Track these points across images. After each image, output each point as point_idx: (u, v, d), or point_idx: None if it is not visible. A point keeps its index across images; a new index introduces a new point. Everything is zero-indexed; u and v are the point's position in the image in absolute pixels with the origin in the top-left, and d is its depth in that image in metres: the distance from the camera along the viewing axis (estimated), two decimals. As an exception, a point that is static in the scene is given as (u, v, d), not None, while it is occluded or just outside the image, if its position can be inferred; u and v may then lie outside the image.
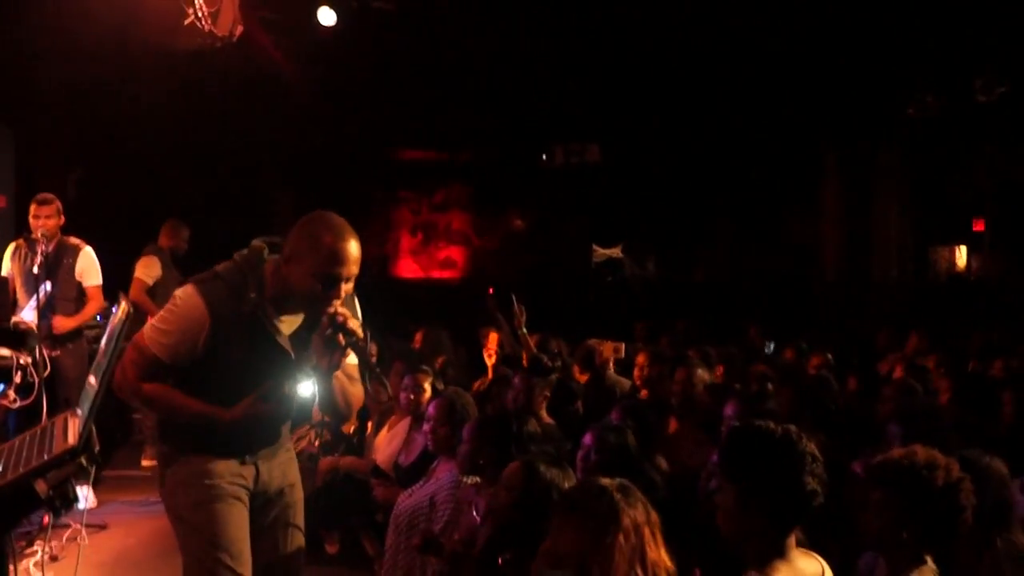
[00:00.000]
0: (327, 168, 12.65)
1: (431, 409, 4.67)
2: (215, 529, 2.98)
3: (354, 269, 2.88)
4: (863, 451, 4.15)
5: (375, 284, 14.20)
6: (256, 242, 3.06)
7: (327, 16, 7.94)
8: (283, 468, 3.25)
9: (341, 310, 2.86)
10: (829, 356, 7.14)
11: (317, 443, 6.50)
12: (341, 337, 2.84)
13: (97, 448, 2.11)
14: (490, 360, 7.24)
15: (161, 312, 2.97)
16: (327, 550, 5.70)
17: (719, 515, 2.50)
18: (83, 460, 2.03)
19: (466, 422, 4.30)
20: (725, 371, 6.55)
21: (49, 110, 9.16)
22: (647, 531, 2.58)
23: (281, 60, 8.83)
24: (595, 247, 14.81)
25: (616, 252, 14.91)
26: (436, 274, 15.05)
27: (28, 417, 5.61)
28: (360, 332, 2.87)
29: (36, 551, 5.29)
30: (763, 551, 2.40)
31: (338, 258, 2.82)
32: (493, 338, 7.32)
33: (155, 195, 9.83)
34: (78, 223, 6.73)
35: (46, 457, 1.99)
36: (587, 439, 4.01)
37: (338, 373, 2.97)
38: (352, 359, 2.99)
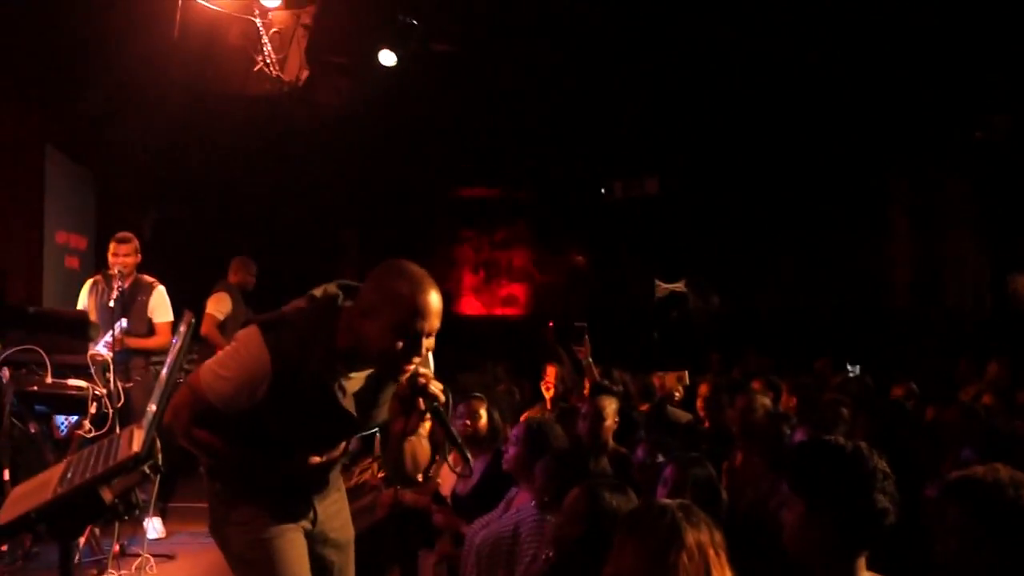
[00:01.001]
0: (390, 207, 12.88)
1: (513, 433, 4.68)
2: (275, 567, 2.83)
3: (436, 323, 2.63)
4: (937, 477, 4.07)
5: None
6: (331, 287, 2.79)
7: (388, 57, 8.16)
8: (337, 508, 3.14)
9: (423, 371, 2.64)
10: (913, 385, 7.01)
11: (380, 475, 6.59)
12: (421, 401, 2.61)
13: (160, 460, 2.18)
14: (548, 393, 7.28)
15: (222, 355, 2.77)
16: (389, 583, 5.76)
17: (785, 533, 2.45)
18: (147, 468, 2.13)
19: (546, 451, 4.27)
20: (799, 402, 6.42)
21: (128, 155, 9.52)
22: (711, 551, 2.46)
23: (345, 102, 9.07)
24: (658, 282, 14.75)
25: (679, 286, 14.83)
26: (499, 311, 15.14)
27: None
28: (442, 396, 2.62)
29: (108, 577, 5.50)
30: (831, 572, 2.35)
31: (420, 311, 2.57)
32: (551, 371, 7.37)
33: (226, 235, 10.11)
34: (153, 263, 6.98)
35: (111, 463, 2.10)
36: (668, 472, 3.87)
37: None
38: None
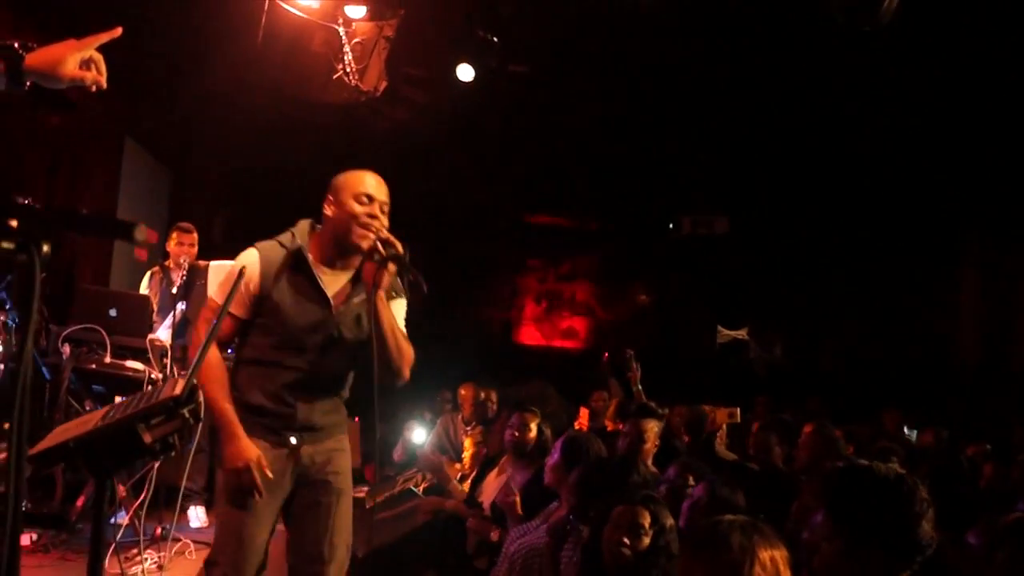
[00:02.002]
0: (458, 227, 12.92)
1: (556, 446, 4.71)
2: (242, 514, 3.16)
3: (383, 194, 3.26)
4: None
5: (498, 348, 14.34)
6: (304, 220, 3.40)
7: (466, 73, 8.21)
8: (329, 455, 3.34)
9: (377, 224, 3.17)
10: (988, 447, 6.85)
11: (423, 486, 6.57)
12: (381, 247, 3.10)
13: (203, 410, 2.18)
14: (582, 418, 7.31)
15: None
16: (422, 588, 5.74)
17: (819, 562, 2.37)
18: (187, 413, 2.11)
19: (583, 461, 4.30)
20: (854, 450, 6.27)
21: (205, 155, 9.69)
22: (782, 566, 2.47)
23: (419, 115, 9.14)
24: (720, 328, 14.53)
25: (742, 334, 14.59)
26: (558, 343, 15.05)
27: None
28: (399, 245, 3.12)
29: (146, 559, 5.51)
30: None
31: (362, 180, 3.25)
32: (598, 396, 7.37)
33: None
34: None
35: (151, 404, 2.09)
36: (698, 491, 3.92)
37: (396, 328, 3.20)
38: (401, 311, 3.32)
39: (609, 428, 6.89)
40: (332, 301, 3.24)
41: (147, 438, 2.06)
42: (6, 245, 1.46)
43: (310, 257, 3.25)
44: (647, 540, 3.28)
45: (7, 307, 5.95)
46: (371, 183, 3.26)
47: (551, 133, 10.29)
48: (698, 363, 13.52)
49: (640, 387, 6.82)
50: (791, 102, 9.26)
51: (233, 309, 3.18)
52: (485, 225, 13.55)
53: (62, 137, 7.69)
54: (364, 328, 3.24)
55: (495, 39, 7.90)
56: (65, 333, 6.02)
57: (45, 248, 1.49)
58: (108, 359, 5.93)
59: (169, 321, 6.21)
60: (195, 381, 2.15)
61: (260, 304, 3.22)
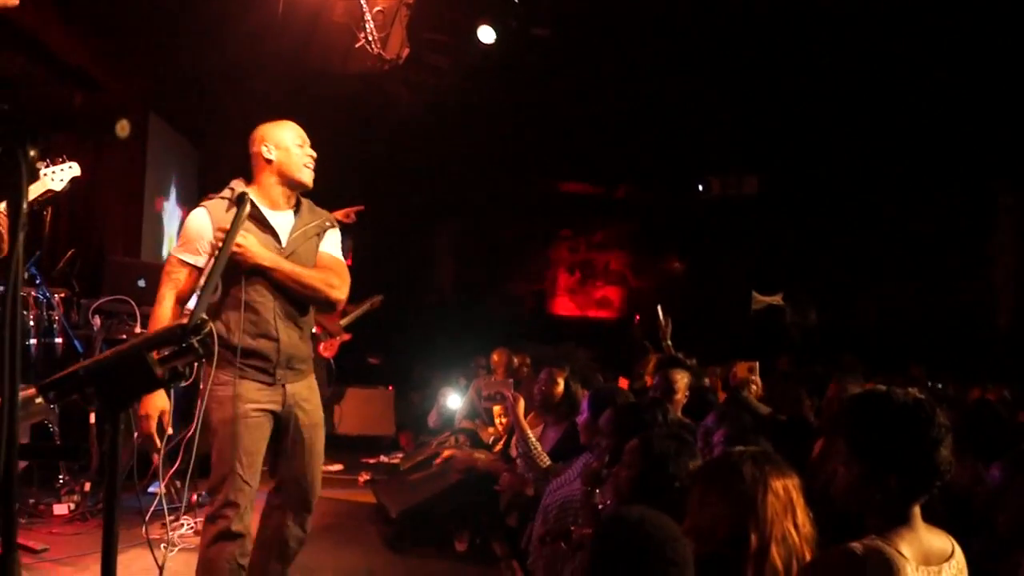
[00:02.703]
0: (489, 197, 12.86)
1: (585, 400, 4.68)
2: (236, 443, 3.48)
3: (302, 132, 3.72)
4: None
5: (532, 319, 14.31)
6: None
7: (487, 34, 8.14)
8: (308, 391, 3.73)
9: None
10: (1006, 393, 6.69)
11: (450, 451, 6.58)
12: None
13: (212, 340, 2.16)
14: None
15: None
16: (456, 547, 5.74)
17: (837, 487, 2.33)
18: (195, 342, 2.09)
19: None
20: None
21: (229, 128, 9.69)
22: (795, 492, 2.50)
23: (443, 82, 9.08)
24: (755, 294, 14.38)
25: (777, 299, 14.43)
26: (592, 313, 15.00)
27: (189, 397, 5.90)
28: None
29: (182, 524, 5.56)
30: (885, 517, 2.22)
31: (296, 128, 3.72)
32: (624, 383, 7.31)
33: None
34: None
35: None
36: (717, 436, 3.92)
37: (297, 273, 3.56)
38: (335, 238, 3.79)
39: (649, 384, 6.86)
40: (281, 236, 3.62)
41: (156, 366, 2.05)
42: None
43: (256, 200, 3.59)
44: (639, 471, 3.22)
45: (37, 281, 6.00)
46: (301, 131, 3.73)
47: (577, 98, 10.19)
48: (733, 328, 13.40)
49: (670, 342, 6.75)
50: (820, 57, 9.09)
51: (193, 262, 3.56)
52: (515, 194, 13.47)
53: (86, 115, 7.72)
54: (312, 257, 3.67)
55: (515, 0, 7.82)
56: (95, 305, 6.07)
57: (32, 152, 1.47)
58: (138, 329, 5.96)
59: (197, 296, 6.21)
60: (203, 315, 2.13)
61: (217, 253, 3.41)
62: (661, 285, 14.61)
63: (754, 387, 6.72)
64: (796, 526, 2.46)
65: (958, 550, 2.29)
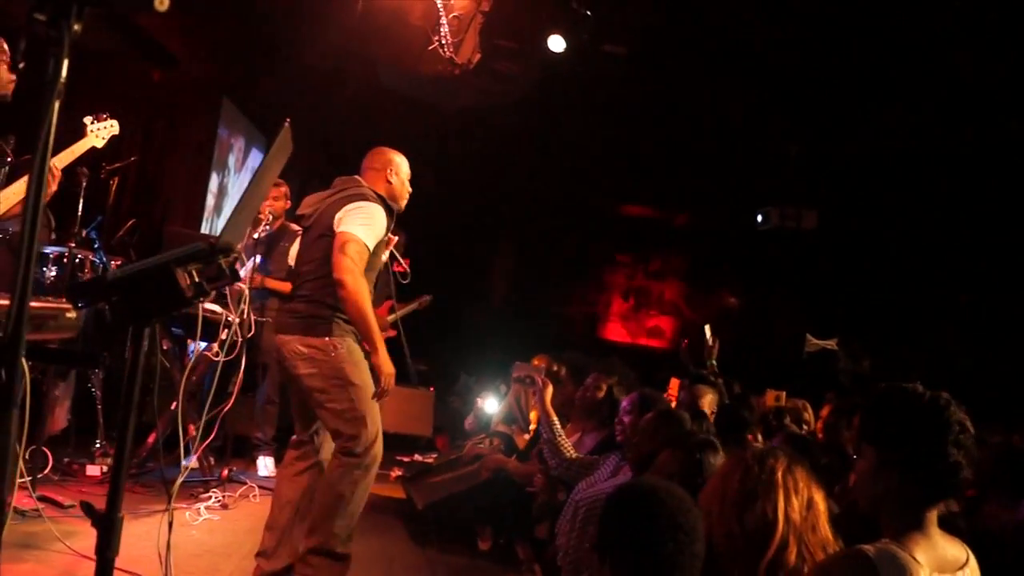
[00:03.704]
0: (548, 213, 12.86)
1: (625, 403, 4.71)
2: (367, 387, 4.05)
3: None
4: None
5: (582, 342, 14.24)
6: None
7: (557, 43, 8.17)
8: None
9: None
10: None
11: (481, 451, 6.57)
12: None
13: (239, 266, 2.18)
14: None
15: (357, 215, 4.04)
16: (479, 545, 5.72)
17: (854, 481, 2.34)
18: (223, 262, 2.11)
19: None
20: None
21: (298, 123, 9.83)
22: (820, 502, 2.49)
23: (511, 88, 9.13)
24: (809, 336, 14.15)
25: (831, 344, 14.18)
26: (643, 341, 14.89)
27: (225, 376, 5.96)
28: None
29: (211, 497, 5.62)
30: (899, 521, 2.18)
31: (405, 160, 4.45)
32: (674, 383, 7.20)
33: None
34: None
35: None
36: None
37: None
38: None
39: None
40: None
41: (182, 280, 2.07)
42: (39, 16, 1.47)
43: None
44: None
45: (95, 246, 6.12)
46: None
47: (643, 119, 10.17)
48: (785, 367, 13.18)
49: (715, 362, 6.67)
50: (887, 93, 8.97)
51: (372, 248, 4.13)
52: (575, 212, 13.46)
53: (162, 91, 7.90)
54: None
55: (588, 13, 7.85)
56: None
57: (76, 26, 1.49)
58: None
59: (250, 266, 6.31)
60: (229, 238, 2.16)
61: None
62: (714, 319, 14.43)
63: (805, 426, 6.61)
64: (817, 529, 2.42)
65: (973, 559, 2.24)
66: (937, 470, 2.14)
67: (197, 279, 2.11)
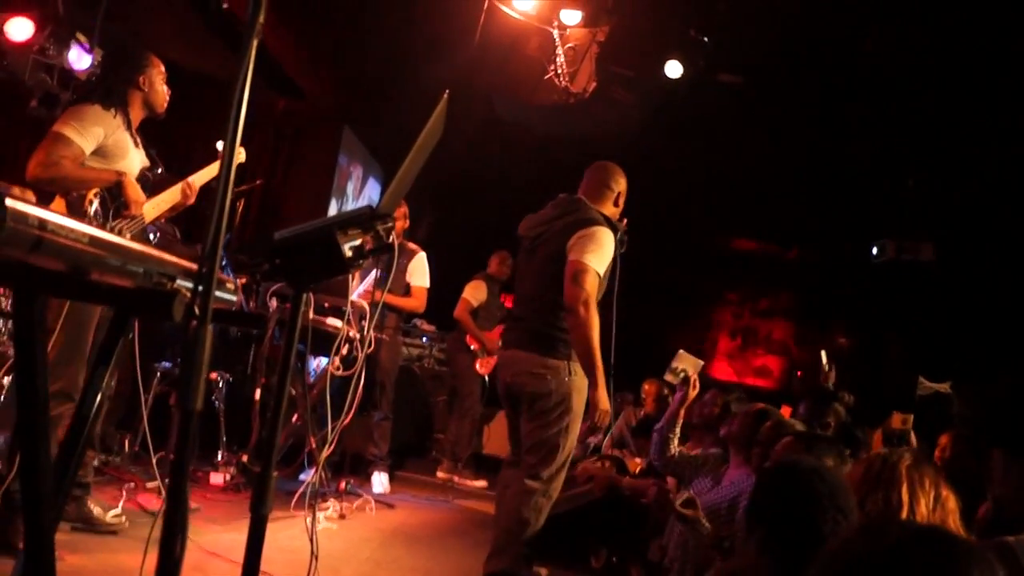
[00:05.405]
0: (654, 249, 12.79)
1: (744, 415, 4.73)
2: (579, 417, 4.21)
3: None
4: None
5: (693, 381, 14.03)
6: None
7: (674, 69, 8.19)
8: None
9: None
10: None
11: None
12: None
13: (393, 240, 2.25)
14: None
15: (589, 243, 4.07)
16: (592, 563, 5.67)
17: (991, 479, 2.41)
18: (381, 230, 2.18)
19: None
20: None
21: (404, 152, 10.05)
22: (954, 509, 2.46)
23: (626, 117, 9.18)
24: (922, 379, 13.66)
25: (944, 387, 13.66)
26: (749, 380, 14.61)
27: (341, 389, 6.09)
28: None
29: (328, 507, 5.72)
30: None
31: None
32: (785, 412, 7.09)
33: (492, 236, 10.43)
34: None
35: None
36: None
37: None
38: None
39: None
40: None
41: (344, 245, 2.14)
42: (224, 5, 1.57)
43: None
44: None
45: (223, 263, 6.32)
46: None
47: (758, 149, 10.08)
48: (897, 408, 12.73)
49: (831, 385, 6.54)
50: (1011, 122, 8.72)
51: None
52: (686, 245, 13.35)
53: (287, 120, 8.18)
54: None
55: (706, 39, 7.87)
56: (273, 288, 6.35)
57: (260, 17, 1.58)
58: (311, 315, 6.18)
59: (367, 283, 6.45)
60: (390, 207, 2.22)
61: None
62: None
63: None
64: (946, 525, 2.37)
65: None
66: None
67: (357, 243, 2.18)
